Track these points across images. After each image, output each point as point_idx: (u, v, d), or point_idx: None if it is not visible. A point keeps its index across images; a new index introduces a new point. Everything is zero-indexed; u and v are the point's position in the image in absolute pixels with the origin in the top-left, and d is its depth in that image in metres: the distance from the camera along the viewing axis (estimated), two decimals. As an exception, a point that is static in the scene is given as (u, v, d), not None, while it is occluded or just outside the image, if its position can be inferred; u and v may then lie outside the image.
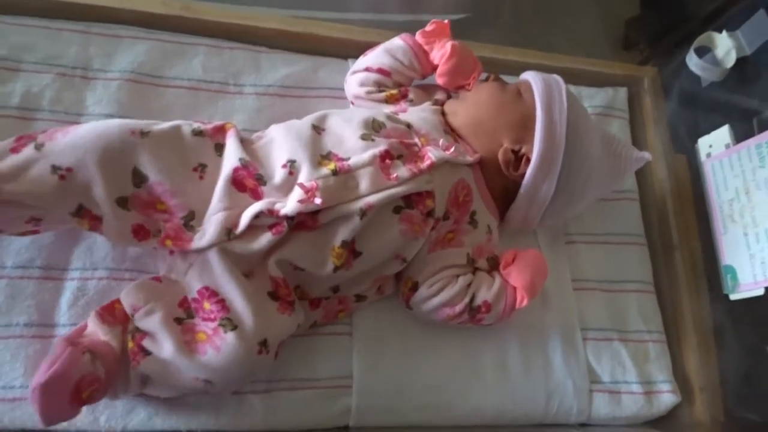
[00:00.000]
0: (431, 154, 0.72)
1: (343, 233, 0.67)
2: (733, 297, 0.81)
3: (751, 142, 0.79)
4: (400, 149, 0.72)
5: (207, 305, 0.64)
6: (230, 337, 0.61)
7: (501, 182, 0.79)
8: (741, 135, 0.82)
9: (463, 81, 0.82)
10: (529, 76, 0.82)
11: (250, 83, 0.88)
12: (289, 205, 0.65)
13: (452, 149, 0.74)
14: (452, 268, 0.76)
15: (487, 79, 0.84)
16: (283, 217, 0.64)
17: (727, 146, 0.83)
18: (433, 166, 0.71)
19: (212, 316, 0.63)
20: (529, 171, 0.77)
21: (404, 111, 0.81)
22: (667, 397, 0.85)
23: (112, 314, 0.66)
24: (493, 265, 0.80)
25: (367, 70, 0.83)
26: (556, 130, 0.76)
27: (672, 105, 0.98)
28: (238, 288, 0.63)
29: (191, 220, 0.65)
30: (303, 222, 0.66)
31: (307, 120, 0.74)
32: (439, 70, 0.81)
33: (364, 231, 0.68)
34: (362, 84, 0.83)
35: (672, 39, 0.95)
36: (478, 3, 1.02)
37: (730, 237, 0.82)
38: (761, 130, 0.79)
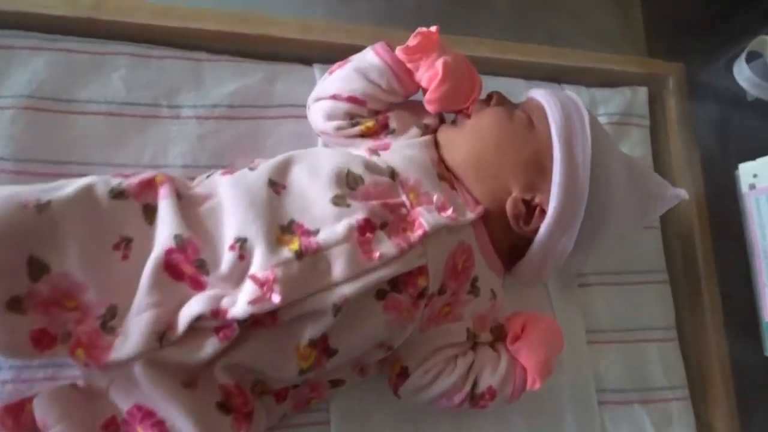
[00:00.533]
0: (424, 221, 0.56)
1: (311, 331, 0.53)
2: (776, 361, 0.69)
3: (810, 179, 0.65)
4: (384, 215, 0.56)
5: (140, 430, 0.49)
6: None
7: (508, 236, 0.64)
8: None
9: (459, 106, 0.65)
10: (542, 99, 0.65)
11: (188, 104, 0.69)
12: (239, 305, 0.50)
13: (449, 210, 0.58)
14: (449, 347, 0.62)
15: (488, 99, 0.66)
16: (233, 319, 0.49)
17: (778, 180, 0.69)
18: (426, 237, 0.55)
19: None
20: (545, 225, 0.62)
21: (385, 148, 0.64)
22: (691, 466, 0.74)
23: (18, 419, 0.51)
24: (498, 336, 0.66)
25: (334, 98, 0.65)
26: (578, 174, 0.61)
27: (703, 115, 0.82)
28: (179, 406, 0.49)
29: (111, 319, 0.50)
30: (259, 320, 0.51)
31: (263, 173, 0.57)
32: (427, 96, 0.64)
33: (338, 325, 0.53)
34: (329, 116, 0.65)
35: (709, 34, 0.78)
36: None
37: (777, 290, 0.69)
38: (824, 166, 0.64)
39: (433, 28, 0.63)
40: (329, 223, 0.54)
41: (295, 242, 0.53)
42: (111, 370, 0.50)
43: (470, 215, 0.61)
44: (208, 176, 0.62)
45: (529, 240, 0.64)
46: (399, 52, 0.63)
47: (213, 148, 0.69)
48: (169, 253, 0.51)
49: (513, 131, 0.63)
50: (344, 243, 0.53)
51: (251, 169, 0.59)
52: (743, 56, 0.68)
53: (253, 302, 0.49)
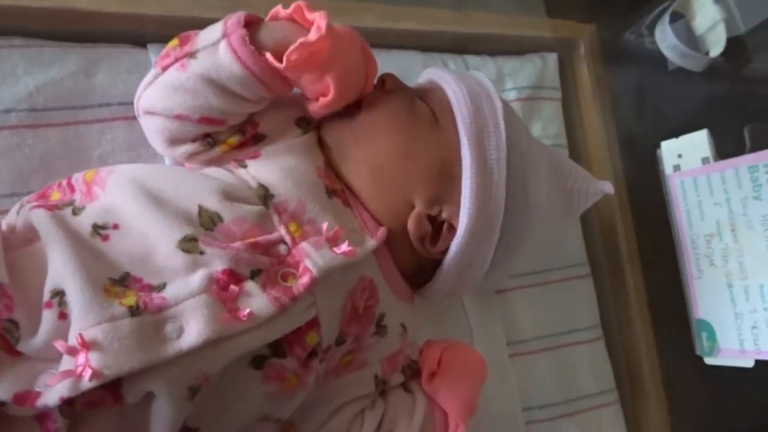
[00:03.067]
0: (311, 263, 0.43)
1: (162, 418, 0.38)
2: (709, 361, 0.63)
3: (741, 161, 0.57)
4: (254, 260, 0.43)
5: None
6: None
7: (416, 258, 0.52)
8: (725, 147, 0.60)
9: (349, 102, 0.50)
10: (447, 87, 0.52)
11: (-33, 110, 0.50)
12: (54, 389, 0.35)
13: (344, 244, 0.45)
14: (354, 402, 0.50)
15: (380, 84, 0.53)
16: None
17: (705, 161, 0.61)
18: (314, 284, 0.42)
19: None
20: (455, 245, 0.50)
21: (255, 156, 0.49)
22: (620, 473, 0.69)
23: None
24: (412, 374, 0.54)
25: (178, 118, 0.47)
26: (493, 180, 0.49)
27: (619, 84, 0.73)
28: None
29: None
30: (97, 399, 0.37)
31: (88, 216, 0.42)
32: (313, 108, 0.49)
33: (200, 405, 0.39)
34: (172, 141, 0.49)
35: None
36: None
37: (707, 284, 0.62)
38: (756, 145, 0.57)
39: (321, 23, 0.44)
40: (177, 275, 0.40)
41: (130, 296, 0.38)
42: None
43: (371, 242, 0.48)
44: (21, 206, 0.45)
45: (438, 260, 0.52)
46: (271, 60, 0.45)
47: (13, 170, 0.52)
48: None
49: (414, 131, 0.50)
50: (200, 295, 0.39)
51: (75, 210, 0.43)
52: (666, 18, 0.59)
53: (65, 374, 0.35)
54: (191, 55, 0.45)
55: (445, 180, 0.50)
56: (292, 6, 0.46)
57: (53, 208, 0.43)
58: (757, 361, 0.58)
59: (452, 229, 0.51)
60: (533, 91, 0.74)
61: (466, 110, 0.50)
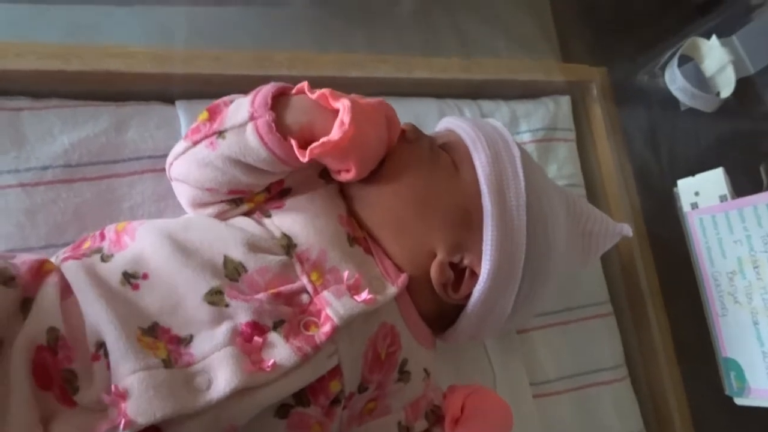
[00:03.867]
0: (332, 312, 0.44)
1: None
2: (740, 402, 0.61)
3: (759, 199, 0.58)
4: (277, 311, 0.44)
5: None
6: None
7: (438, 304, 0.53)
8: (741, 185, 0.60)
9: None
10: (465, 136, 0.54)
11: (7, 168, 0.53)
12: None
13: (365, 292, 0.46)
14: None
15: (402, 134, 0.53)
16: None
17: (723, 198, 0.61)
18: (336, 332, 0.43)
19: None
20: (478, 291, 0.51)
21: (279, 207, 0.51)
22: None
23: None
24: (435, 420, 0.54)
25: (208, 190, 0.50)
26: (513, 227, 0.50)
27: (633, 125, 0.74)
28: None
29: None
30: None
31: (117, 264, 0.44)
32: (336, 178, 0.51)
33: None
34: (201, 204, 0.51)
35: (631, 35, 0.69)
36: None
37: (732, 322, 0.62)
38: (773, 182, 0.57)
39: (345, 119, 0.45)
40: (204, 328, 0.41)
41: (162, 349, 0.40)
42: None
43: (392, 289, 0.49)
44: (56, 258, 0.47)
45: (460, 305, 0.53)
46: (296, 149, 0.45)
47: (48, 223, 0.54)
48: (39, 351, 0.38)
49: (435, 181, 0.51)
50: (225, 347, 0.41)
51: (104, 258, 0.45)
52: (675, 62, 0.60)
53: (93, 415, 0.37)
54: (220, 134, 0.47)
55: (466, 228, 0.51)
56: (318, 93, 0.46)
57: (82, 256, 0.44)
58: (789, 401, 0.57)
59: (474, 275, 0.51)
60: (547, 133, 0.75)
61: (485, 158, 0.51)
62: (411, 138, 0.53)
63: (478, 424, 0.53)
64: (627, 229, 0.60)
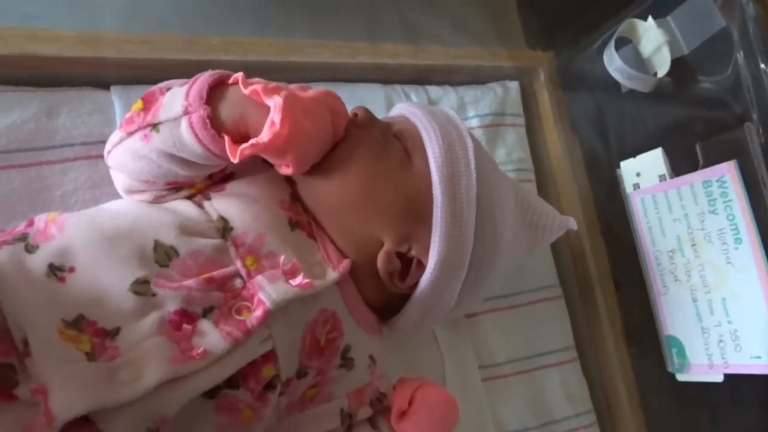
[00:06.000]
0: (265, 296, 0.43)
1: None
2: (681, 378, 0.62)
3: (695, 177, 0.59)
4: (208, 297, 0.43)
5: None
6: None
7: (383, 292, 0.52)
8: (680, 163, 0.61)
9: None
10: (419, 124, 0.53)
11: (-70, 155, 0.51)
12: None
13: (300, 276, 0.45)
14: None
15: (352, 117, 0.52)
16: None
17: (662, 178, 0.62)
18: (268, 317, 0.42)
19: None
20: (424, 281, 0.51)
21: (220, 190, 0.50)
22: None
23: None
24: (380, 409, 0.54)
25: (146, 182, 0.49)
26: (463, 219, 0.50)
27: (579, 109, 0.74)
28: None
29: None
30: None
31: (43, 255, 0.42)
32: (278, 170, 0.49)
33: None
34: (140, 192, 0.50)
35: (579, 19, 0.70)
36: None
37: (673, 300, 0.62)
38: (708, 161, 0.58)
39: (276, 118, 0.43)
40: (131, 320, 0.40)
41: (85, 341, 0.39)
42: None
43: (333, 275, 0.48)
44: None
45: (406, 294, 0.53)
46: (229, 146, 0.44)
47: None
48: None
49: (385, 169, 0.50)
50: (151, 339, 0.40)
51: (29, 247, 0.43)
52: (612, 44, 0.61)
53: (25, 428, 0.35)
54: (154, 126, 0.45)
55: (415, 219, 0.50)
56: (251, 88, 0.44)
57: (3, 244, 0.43)
58: (726, 375, 0.58)
59: (421, 266, 0.51)
60: (495, 118, 0.75)
61: (438, 149, 0.51)
62: (362, 123, 0.52)
63: (425, 418, 0.52)
64: (572, 223, 0.61)
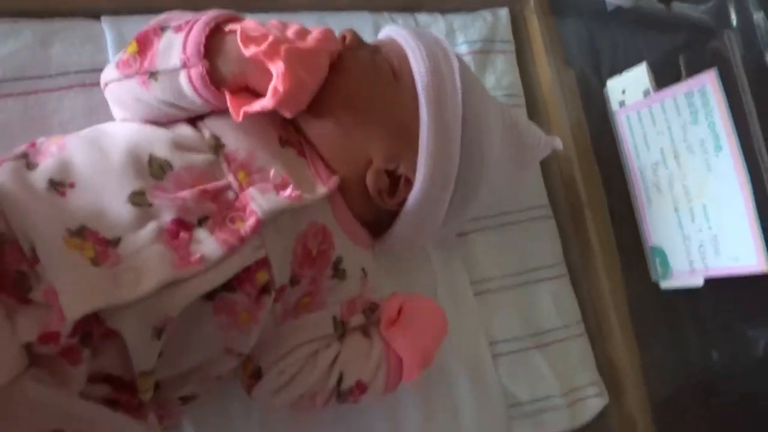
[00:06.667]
0: (256, 206, 0.45)
1: (138, 352, 0.42)
2: (664, 285, 0.65)
3: (677, 89, 0.60)
4: (202, 207, 0.45)
5: None
6: None
7: (372, 208, 0.54)
8: (664, 78, 0.62)
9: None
10: (405, 45, 0.54)
11: (-71, 84, 0.53)
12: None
13: (289, 189, 0.47)
14: (312, 342, 0.53)
15: (341, 40, 0.53)
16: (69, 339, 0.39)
17: (647, 93, 0.63)
18: (261, 225, 0.44)
19: None
20: (412, 198, 0.53)
21: (215, 113, 0.51)
22: (592, 403, 0.72)
23: None
24: (372, 318, 0.57)
25: (147, 121, 0.50)
26: (449, 138, 0.52)
27: (568, 32, 0.75)
28: (88, 410, 0.40)
29: None
30: (106, 332, 0.41)
31: (43, 171, 0.44)
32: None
33: (167, 342, 0.43)
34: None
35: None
36: None
37: (657, 211, 0.65)
38: (690, 73, 0.59)
39: (279, 85, 0.45)
40: (130, 229, 0.42)
41: (89, 248, 0.41)
42: None
43: (322, 190, 0.50)
44: None
45: (395, 211, 0.55)
46: (229, 102, 0.46)
47: None
48: None
49: (374, 89, 0.52)
50: (151, 247, 0.42)
51: (30, 165, 0.45)
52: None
53: (42, 326, 0.38)
54: (152, 75, 0.47)
55: (402, 137, 0.52)
56: (252, 51, 0.45)
57: (3, 161, 0.44)
58: (707, 280, 0.60)
59: (409, 183, 0.53)
60: (485, 45, 0.76)
61: (425, 69, 0.52)
62: (350, 46, 0.53)
63: (413, 326, 0.56)
64: (558, 142, 0.62)
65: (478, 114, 0.54)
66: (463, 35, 0.75)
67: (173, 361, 0.45)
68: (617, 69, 0.66)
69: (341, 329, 0.54)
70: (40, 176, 0.43)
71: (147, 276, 0.40)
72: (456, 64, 0.54)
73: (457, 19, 0.76)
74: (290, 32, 0.48)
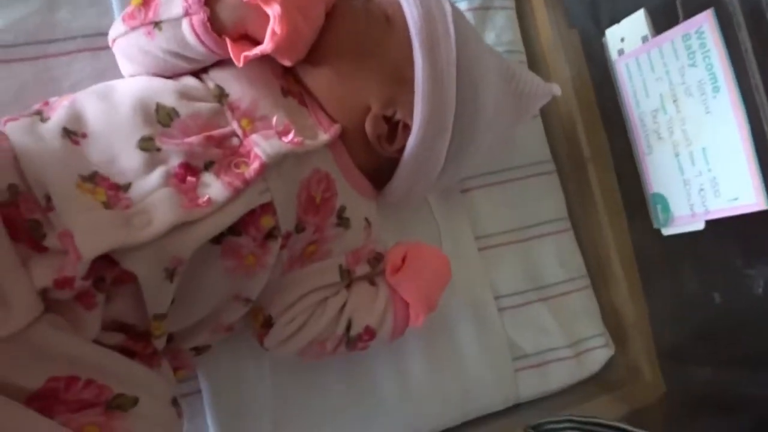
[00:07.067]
0: (259, 150, 0.47)
1: (151, 294, 0.44)
2: (666, 232, 0.65)
3: (675, 32, 0.60)
4: (208, 152, 0.47)
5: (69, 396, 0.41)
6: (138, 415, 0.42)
7: (373, 157, 0.56)
8: (662, 23, 0.62)
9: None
10: None
11: (-57, 49, 0.55)
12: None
13: (291, 134, 0.49)
14: (320, 290, 0.54)
15: None
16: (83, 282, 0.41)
17: (645, 39, 0.63)
18: (264, 169, 0.46)
19: (89, 402, 0.42)
20: (410, 143, 0.54)
21: (219, 65, 0.53)
22: (598, 354, 0.74)
23: None
24: (377, 268, 0.58)
25: (154, 74, 0.53)
26: (443, 82, 0.53)
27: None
28: (98, 358, 0.43)
29: None
30: (119, 276, 0.43)
31: (56, 122, 0.46)
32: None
33: (179, 286, 0.45)
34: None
35: None
36: None
37: (657, 158, 0.65)
38: (687, 15, 0.59)
39: (277, 28, 0.47)
40: (140, 174, 0.45)
41: (101, 193, 0.43)
42: None
43: (324, 137, 0.52)
44: None
45: (395, 159, 0.56)
46: (230, 48, 0.48)
47: None
48: (3, 207, 0.41)
49: (368, 36, 0.53)
50: (160, 190, 0.44)
51: (43, 119, 0.47)
52: None
53: (57, 272, 0.40)
54: (156, 24, 0.49)
55: (398, 82, 0.53)
56: None
57: (20, 117, 0.47)
58: (707, 223, 0.61)
59: (407, 128, 0.54)
60: (484, 1, 0.76)
61: (417, 14, 0.53)
62: None
63: (417, 272, 0.57)
64: (556, 88, 0.63)
65: (473, 58, 0.54)
66: (462, -8, 0.76)
67: (185, 311, 0.47)
68: (617, 19, 0.66)
69: (347, 278, 0.56)
70: (53, 126, 0.46)
71: (158, 218, 0.42)
72: (449, 9, 0.54)
73: (456, -24, 0.76)
74: None
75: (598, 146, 0.75)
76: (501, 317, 0.69)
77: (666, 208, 0.65)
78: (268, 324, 0.53)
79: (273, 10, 0.46)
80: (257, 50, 0.47)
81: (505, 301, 0.70)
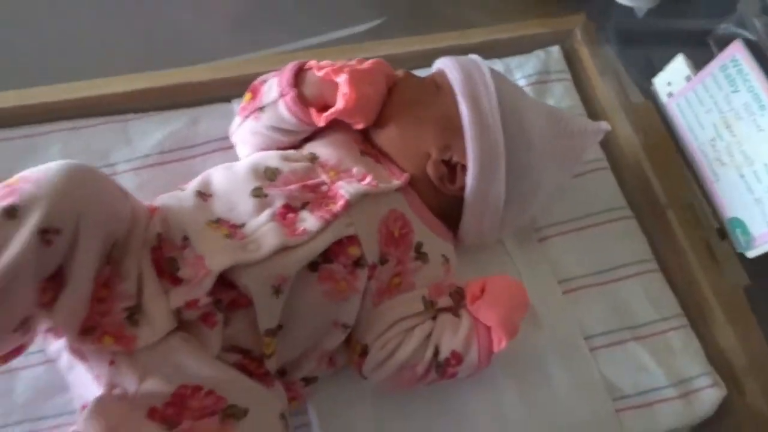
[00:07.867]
0: (343, 191, 0.58)
1: (264, 313, 0.54)
2: (751, 254, 0.65)
3: (713, 66, 0.65)
4: (303, 196, 0.59)
5: (195, 404, 0.51)
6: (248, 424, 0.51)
7: (441, 199, 0.65)
8: (700, 61, 0.68)
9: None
10: (442, 64, 0.69)
11: (122, 159, 0.74)
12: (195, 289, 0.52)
13: (368, 178, 0.60)
14: (407, 319, 0.61)
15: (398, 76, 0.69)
16: (207, 304, 0.52)
17: (688, 78, 0.69)
18: (348, 206, 0.57)
19: (209, 410, 0.51)
20: (469, 179, 0.63)
21: (311, 139, 0.68)
22: (709, 394, 0.69)
23: None
24: (459, 301, 0.64)
25: (262, 150, 0.68)
26: (488, 123, 0.62)
27: (613, 50, 0.83)
28: (219, 372, 0.52)
29: (136, 313, 0.52)
30: (234, 300, 0.54)
31: (191, 187, 0.61)
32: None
33: (284, 305, 0.55)
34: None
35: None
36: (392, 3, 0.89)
37: (725, 184, 0.67)
38: (721, 49, 0.64)
39: (345, 90, 0.61)
40: (252, 215, 0.57)
41: (224, 229, 0.56)
42: (138, 365, 0.51)
43: (395, 182, 0.62)
44: None
45: (461, 199, 0.65)
46: (314, 116, 0.63)
47: (151, 194, 0.71)
48: (153, 251, 0.55)
49: (422, 100, 0.66)
50: (268, 224, 0.55)
51: (182, 190, 0.63)
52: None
53: (191, 283, 0.51)
54: (261, 109, 0.66)
55: (451, 131, 0.64)
56: (322, 72, 0.62)
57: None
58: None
59: (464, 168, 0.63)
60: (541, 76, 0.86)
61: (459, 75, 0.65)
62: (404, 76, 0.68)
63: (496, 299, 0.62)
64: (605, 125, 0.69)
65: (514, 102, 0.64)
66: (520, 71, 0.86)
67: (292, 336, 0.56)
68: (660, 66, 0.73)
69: (431, 308, 0.62)
70: (189, 190, 0.60)
71: (266, 243, 0.54)
72: (486, 69, 0.65)
73: (513, 61, 0.88)
74: (351, 62, 0.64)
75: (673, 185, 0.77)
76: (594, 357, 0.69)
77: (745, 230, 0.65)
78: (364, 352, 0.60)
79: (341, 78, 0.60)
80: (333, 110, 0.61)
81: (597, 340, 0.70)
